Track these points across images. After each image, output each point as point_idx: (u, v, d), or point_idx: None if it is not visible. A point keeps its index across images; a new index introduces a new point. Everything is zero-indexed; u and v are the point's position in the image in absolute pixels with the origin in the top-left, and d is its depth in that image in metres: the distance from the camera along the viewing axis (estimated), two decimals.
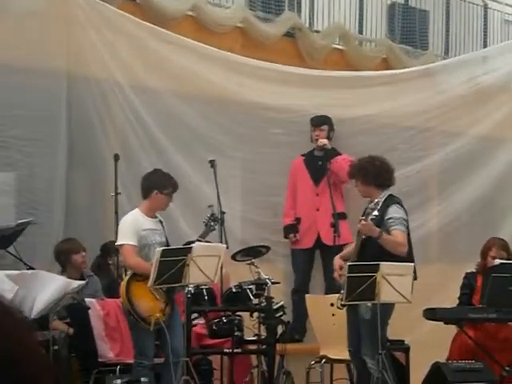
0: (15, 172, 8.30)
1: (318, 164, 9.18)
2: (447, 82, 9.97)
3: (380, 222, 7.05)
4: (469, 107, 9.96)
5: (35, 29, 8.11)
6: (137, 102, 8.65)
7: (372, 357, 7.02)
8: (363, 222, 6.98)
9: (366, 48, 10.81)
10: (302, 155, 9.31)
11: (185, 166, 8.80)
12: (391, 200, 7.24)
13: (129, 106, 8.63)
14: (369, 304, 7.00)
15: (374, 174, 7.26)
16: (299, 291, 8.93)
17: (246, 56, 9.23)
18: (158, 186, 7.22)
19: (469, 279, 8.19)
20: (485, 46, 11.63)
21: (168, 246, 7.23)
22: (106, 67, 8.55)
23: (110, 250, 7.97)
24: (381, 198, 7.12)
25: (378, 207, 6.99)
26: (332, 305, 7.90)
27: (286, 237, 9.19)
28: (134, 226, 7.11)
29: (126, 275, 7.18)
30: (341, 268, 7.21)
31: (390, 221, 7.10)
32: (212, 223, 7.49)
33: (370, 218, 6.95)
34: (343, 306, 7.15)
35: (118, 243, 7.22)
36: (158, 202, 7.24)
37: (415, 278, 7.13)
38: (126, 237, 7.09)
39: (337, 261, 7.42)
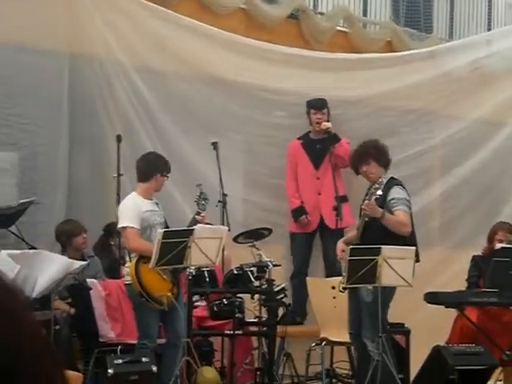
0: (18, 151, 8.30)
1: (316, 147, 9.13)
2: (451, 65, 9.95)
3: (382, 203, 7.06)
4: (472, 90, 9.94)
5: (38, 10, 8.08)
6: (139, 83, 8.63)
7: (372, 340, 7.04)
8: (366, 202, 6.98)
9: (370, 30, 10.76)
10: (299, 139, 9.25)
11: (187, 148, 8.79)
12: (393, 182, 7.26)
13: (131, 87, 8.61)
14: (370, 287, 7.02)
15: (383, 153, 7.31)
16: (299, 274, 8.93)
17: (249, 38, 9.20)
18: (159, 169, 7.24)
19: (476, 261, 8.20)
20: (489, 29, 11.58)
21: (167, 226, 7.25)
22: (109, 48, 8.53)
23: (113, 230, 7.98)
24: (384, 178, 7.14)
25: (382, 187, 6.99)
26: (333, 288, 7.93)
27: (295, 220, 9.09)
28: (134, 208, 7.12)
29: (129, 257, 7.19)
30: (343, 251, 7.22)
31: (393, 201, 7.11)
32: (203, 202, 7.46)
33: (375, 197, 6.96)
34: (345, 289, 7.17)
35: (119, 226, 7.23)
36: (158, 184, 7.28)
37: (418, 261, 7.15)
38: (127, 219, 7.10)
39: (340, 245, 7.44)
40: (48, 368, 1.08)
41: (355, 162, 7.42)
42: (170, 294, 7.03)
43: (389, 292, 7.10)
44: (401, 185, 7.28)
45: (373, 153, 7.29)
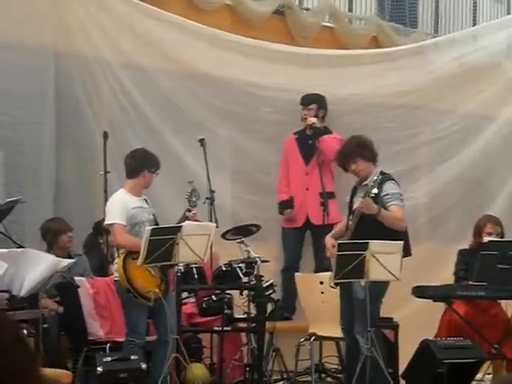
0: (4, 150, 8.27)
1: (308, 143, 9.16)
2: (437, 61, 9.96)
3: (376, 199, 7.06)
4: (458, 86, 9.95)
5: (22, 6, 8.05)
6: (125, 80, 8.62)
7: (364, 335, 7.05)
8: (361, 199, 6.98)
9: (356, 26, 10.78)
10: (295, 133, 9.29)
11: (175, 144, 8.78)
12: (385, 176, 7.26)
13: (117, 84, 8.60)
14: (363, 283, 7.02)
15: (368, 149, 7.31)
16: (289, 270, 8.93)
17: (235, 34, 9.19)
18: (148, 165, 7.22)
19: (463, 255, 8.20)
20: (474, 24, 11.61)
21: (156, 222, 7.24)
22: (94, 45, 8.51)
23: (101, 228, 7.96)
24: (374, 175, 7.14)
25: (376, 185, 6.99)
26: (321, 283, 7.94)
27: (281, 213, 9.12)
28: (122, 205, 7.11)
29: (118, 254, 7.18)
30: (333, 247, 7.23)
31: (387, 197, 7.12)
32: (194, 199, 7.46)
33: (370, 196, 6.97)
34: (337, 284, 7.18)
35: (107, 223, 7.21)
36: (146, 180, 7.26)
37: (410, 255, 7.17)
38: (114, 216, 7.09)
39: (329, 240, 7.44)
40: (21, 361, 1.06)
41: (342, 162, 7.43)
42: (157, 290, 7.02)
43: (381, 287, 7.11)
44: (393, 179, 7.29)
45: (357, 150, 7.29)
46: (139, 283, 7.03)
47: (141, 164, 7.23)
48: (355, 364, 6.99)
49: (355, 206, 7.16)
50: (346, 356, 7.56)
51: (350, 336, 7.25)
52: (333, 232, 7.63)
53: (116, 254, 7.27)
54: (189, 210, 7.32)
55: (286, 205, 9.10)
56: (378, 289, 7.04)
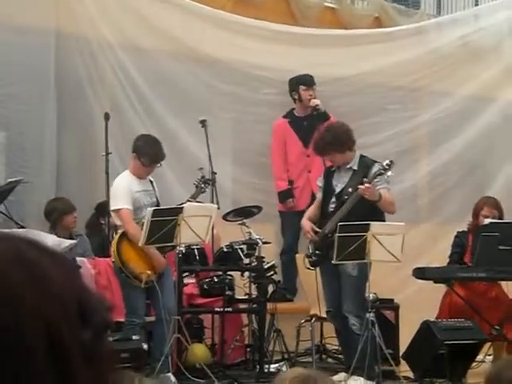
0: (5, 131, 8.26)
1: (303, 125, 9.07)
2: (439, 41, 9.93)
3: (361, 182, 7.07)
4: (459, 66, 9.93)
5: None
6: (127, 61, 8.59)
7: (356, 314, 7.09)
8: (367, 185, 6.98)
9: (358, 6, 10.73)
10: (284, 117, 9.17)
11: (176, 126, 8.76)
12: (368, 159, 7.29)
13: (119, 65, 8.57)
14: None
15: (345, 140, 7.29)
16: (289, 252, 8.93)
17: (237, 14, 9.16)
18: (137, 150, 7.18)
19: (460, 238, 8.21)
20: (476, 4, 11.56)
21: (159, 205, 7.23)
22: (96, 26, 8.48)
23: (103, 209, 7.95)
24: (356, 159, 7.22)
25: (390, 168, 7.02)
26: None
27: (282, 202, 9.01)
28: (127, 189, 7.10)
29: (116, 234, 7.19)
30: (312, 230, 7.29)
31: (376, 180, 7.12)
32: (203, 185, 7.48)
33: (375, 181, 6.99)
34: (314, 266, 7.25)
35: (113, 208, 7.18)
36: (135, 166, 7.19)
37: None
38: (122, 200, 7.08)
39: (306, 223, 7.45)
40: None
41: (318, 153, 7.52)
42: (149, 272, 7.02)
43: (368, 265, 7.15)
44: (376, 161, 7.30)
45: (331, 147, 7.28)
46: (133, 264, 7.04)
47: (134, 147, 7.21)
48: (355, 345, 7.02)
49: (353, 190, 7.15)
50: (343, 338, 7.54)
51: (339, 318, 7.28)
52: (308, 214, 7.60)
53: (115, 234, 7.29)
54: (190, 201, 7.33)
55: (286, 195, 9.02)
56: (367, 267, 7.08)
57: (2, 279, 0.92)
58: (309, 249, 7.43)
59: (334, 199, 7.31)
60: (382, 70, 9.62)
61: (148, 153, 7.15)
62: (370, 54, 9.58)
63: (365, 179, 7.06)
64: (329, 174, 7.42)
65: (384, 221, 7.30)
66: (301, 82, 9.08)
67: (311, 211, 7.59)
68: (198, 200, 7.55)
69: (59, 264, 0.98)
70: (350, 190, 7.20)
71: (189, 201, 7.39)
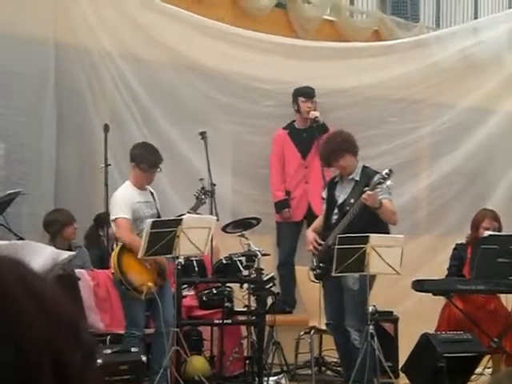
0: (4, 142, 8.27)
1: (303, 136, 9.11)
2: (438, 54, 9.95)
3: (363, 193, 7.07)
4: (459, 79, 9.95)
5: None
6: (127, 72, 8.61)
7: (357, 328, 7.07)
8: (369, 192, 6.98)
9: (358, 19, 10.76)
10: (284, 128, 9.21)
11: (175, 137, 8.77)
12: (370, 170, 7.30)
13: (118, 76, 8.59)
14: (356, 275, 7.04)
15: (355, 144, 7.34)
16: (286, 264, 8.92)
17: (237, 26, 9.18)
18: (135, 158, 7.19)
19: (459, 250, 8.20)
20: (475, 17, 11.59)
21: (159, 217, 7.23)
22: (96, 36, 8.50)
23: (103, 220, 7.95)
24: (358, 168, 7.23)
25: (389, 177, 7.01)
26: None
27: (278, 212, 9.06)
28: (127, 199, 7.10)
29: (116, 246, 7.18)
30: (315, 241, 7.29)
31: (377, 190, 7.12)
32: (203, 196, 7.48)
33: (376, 190, 6.99)
34: (319, 278, 7.23)
35: (112, 217, 7.18)
36: (136, 175, 7.20)
37: None
38: (120, 211, 7.08)
39: (310, 234, 7.45)
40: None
41: (328, 157, 7.45)
42: (150, 284, 7.01)
43: (371, 279, 7.12)
44: (378, 172, 7.31)
45: (345, 146, 7.30)
46: (133, 276, 7.03)
47: (131, 156, 7.22)
48: (354, 358, 7.00)
49: (355, 200, 7.15)
50: (342, 351, 7.52)
51: (339, 331, 7.26)
52: (314, 226, 7.62)
53: (115, 246, 7.28)
54: (190, 213, 7.32)
55: (282, 205, 9.06)
56: (368, 280, 7.06)
57: (13, 312, 1.00)
58: (313, 262, 7.41)
59: (336, 210, 7.31)
60: (382, 82, 9.64)
61: (146, 158, 7.16)
62: (370, 66, 9.60)
63: (366, 188, 7.07)
64: (332, 186, 7.43)
65: (388, 232, 7.26)
66: (300, 94, 9.13)
67: (317, 222, 7.62)
68: (197, 212, 7.54)
69: (57, 289, 1.05)
70: (351, 200, 7.20)
71: (189, 212, 7.39)
